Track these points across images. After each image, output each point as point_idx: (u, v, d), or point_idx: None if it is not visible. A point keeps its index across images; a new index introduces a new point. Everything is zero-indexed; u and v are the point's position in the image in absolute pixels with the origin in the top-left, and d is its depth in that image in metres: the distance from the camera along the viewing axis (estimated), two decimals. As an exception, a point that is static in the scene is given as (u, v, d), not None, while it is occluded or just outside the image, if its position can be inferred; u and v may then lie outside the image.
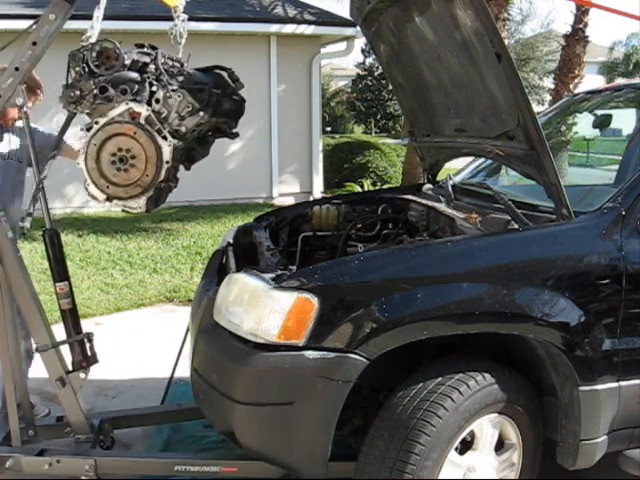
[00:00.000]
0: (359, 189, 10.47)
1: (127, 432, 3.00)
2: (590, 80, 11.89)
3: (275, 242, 3.05)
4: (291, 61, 10.18)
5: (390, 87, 16.33)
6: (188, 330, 2.78)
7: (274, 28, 9.85)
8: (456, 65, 2.54)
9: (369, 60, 27.49)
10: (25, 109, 2.61)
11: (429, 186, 3.47)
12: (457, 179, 3.38)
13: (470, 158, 3.51)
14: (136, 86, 2.47)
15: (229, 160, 9.91)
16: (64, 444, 2.74)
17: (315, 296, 2.05)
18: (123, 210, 2.58)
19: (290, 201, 9.20)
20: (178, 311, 5.13)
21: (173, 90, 2.51)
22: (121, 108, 2.44)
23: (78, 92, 2.44)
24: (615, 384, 2.25)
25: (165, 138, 2.46)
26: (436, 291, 2.11)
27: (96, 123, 2.45)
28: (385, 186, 10.82)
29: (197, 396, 2.39)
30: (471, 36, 2.25)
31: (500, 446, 2.35)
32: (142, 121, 2.45)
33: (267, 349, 2.07)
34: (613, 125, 3.58)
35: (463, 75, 2.52)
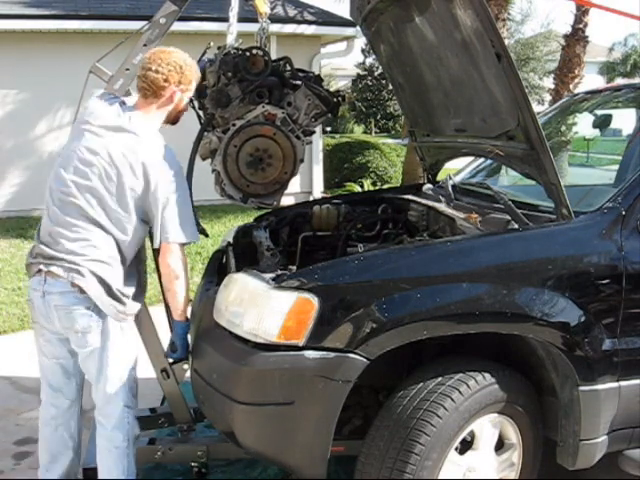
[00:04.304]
0: (359, 189, 10.46)
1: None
2: (590, 80, 11.88)
3: (275, 242, 3.06)
4: (291, 61, 10.16)
5: (390, 87, 16.36)
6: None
7: (274, 28, 9.81)
8: (456, 65, 2.54)
9: (369, 60, 27.45)
10: None
11: (429, 186, 3.47)
12: (457, 179, 3.38)
13: (470, 158, 3.51)
14: (275, 90, 2.57)
15: (229, 160, 9.90)
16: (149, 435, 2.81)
17: (315, 296, 2.05)
18: (258, 207, 2.70)
19: (290, 201, 9.19)
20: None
21: (305, 94, 2.63)
22: (258, 110, 2.54)
23: (227, 96, 2.53)
24: (615, 384, 2.25)
25: (298, 137, 2.60)
26: (436, 291, 2.11)
27: (233, 125, 2.52)
28: (385, 186, 10.80)
29: (197, 396, 2.39)
30: (471, 36, 2.25)
31: (500, 446, 2.35)
32: (278, 122, 2.56)
33: (267, 349, 2.07)
34: (613, 125, 3.58)
35: (463, 75, 2.52)
